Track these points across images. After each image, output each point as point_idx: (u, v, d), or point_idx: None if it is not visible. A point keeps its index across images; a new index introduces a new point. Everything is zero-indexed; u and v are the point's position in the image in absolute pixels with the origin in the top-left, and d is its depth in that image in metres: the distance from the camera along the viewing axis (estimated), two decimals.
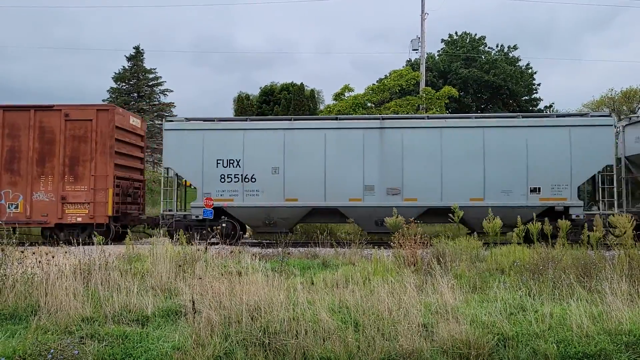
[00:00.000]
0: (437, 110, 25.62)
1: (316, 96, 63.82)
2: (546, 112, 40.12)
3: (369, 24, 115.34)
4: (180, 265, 8.71)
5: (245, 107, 53.19)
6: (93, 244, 10.85)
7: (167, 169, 16.26)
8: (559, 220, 10.83)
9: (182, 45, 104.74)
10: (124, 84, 45.67)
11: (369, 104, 27.55)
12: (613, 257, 8.66)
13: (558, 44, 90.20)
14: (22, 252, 8.50)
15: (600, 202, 14.93)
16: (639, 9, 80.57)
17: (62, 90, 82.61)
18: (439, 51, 37.78)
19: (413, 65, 33.25)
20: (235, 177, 15.52)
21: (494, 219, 10.93)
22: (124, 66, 45.46)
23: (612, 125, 14.97)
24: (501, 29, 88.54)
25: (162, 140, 16.79)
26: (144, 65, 45.72)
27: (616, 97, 51.29)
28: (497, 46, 36.83)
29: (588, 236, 9.50)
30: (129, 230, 15.38)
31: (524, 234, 10.32)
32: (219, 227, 14.63)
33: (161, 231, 12.76)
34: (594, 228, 9.54)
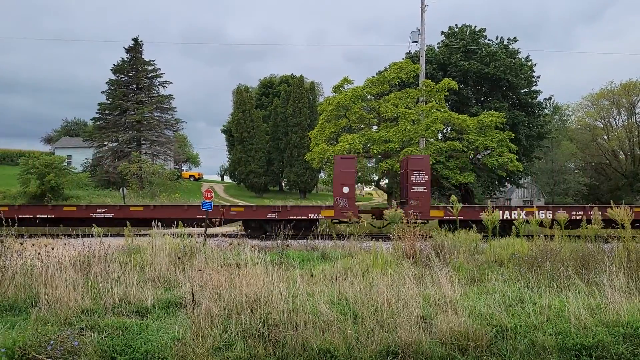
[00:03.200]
0: (437, 103, 25.58)
1: (316, 88, 63.76)
2: (545, 105, 40.05)
3: (360, 15, 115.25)
4: (179, 258, 8.72)
5: (245, 99, 53.12)
6: None
7: None
8: None
9: (173, 36, 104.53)
10: (122, 76, 45.49)
11: (368, 97, 27.49)
12: (611, 249, 8.68)
13: (550, 36, 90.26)
14: (22, 243, 8.51)
15: None
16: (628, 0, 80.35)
17: (54, 82, 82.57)
18: (439, 43, 37.64)
19: (413, 58, 33.10)
20: None
21: None
22: (122, 58, 45.28)
23: None
24: (493, 22, 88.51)
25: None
26: (143, 57, 45.52)
27: (616, 90, 51.19)
28: (496, 38, 36.69)
29: None
30: None
31: None
32: None
33: None
34: None
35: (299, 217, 16.89)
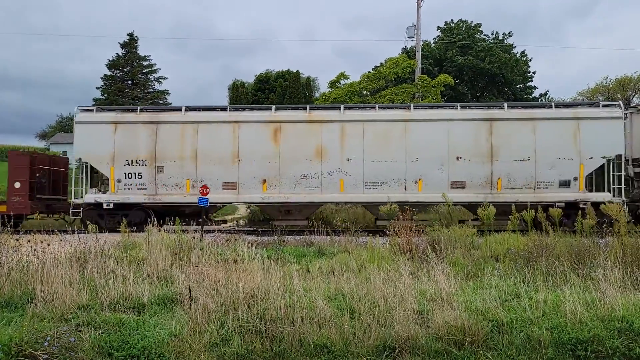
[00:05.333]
0: (433, 99, 25.60)
1: (312, 84, 63.58)
2: (541, 100, 40.13)
3: (351, 11, 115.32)
4: (176, 253, 8.71)
5: (241, 95, 52.95)
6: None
7: None
8: None
9: (163, 31, 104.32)
10: (117, 71, 45.29)
11: (364, 92, 27.48)
12: (607, 244, 8.72)
13: (539, 31, 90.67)
14: (17, 240, 8.47)
15: None
16: None
17: (44, 77, 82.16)
18: (434, 39, 37.65)
19: (409, 53, 33.10)
20: None
21: None
22: (117, 53, 45.06)
23: None
24: (483, 16, 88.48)
25: None
26: (138, 52, 45.31)
27: (611, 85, 51.35)
28: (492, 33, 36.71)
29: None
30: None
31: None
32: None
33: None
34: None
35: None
